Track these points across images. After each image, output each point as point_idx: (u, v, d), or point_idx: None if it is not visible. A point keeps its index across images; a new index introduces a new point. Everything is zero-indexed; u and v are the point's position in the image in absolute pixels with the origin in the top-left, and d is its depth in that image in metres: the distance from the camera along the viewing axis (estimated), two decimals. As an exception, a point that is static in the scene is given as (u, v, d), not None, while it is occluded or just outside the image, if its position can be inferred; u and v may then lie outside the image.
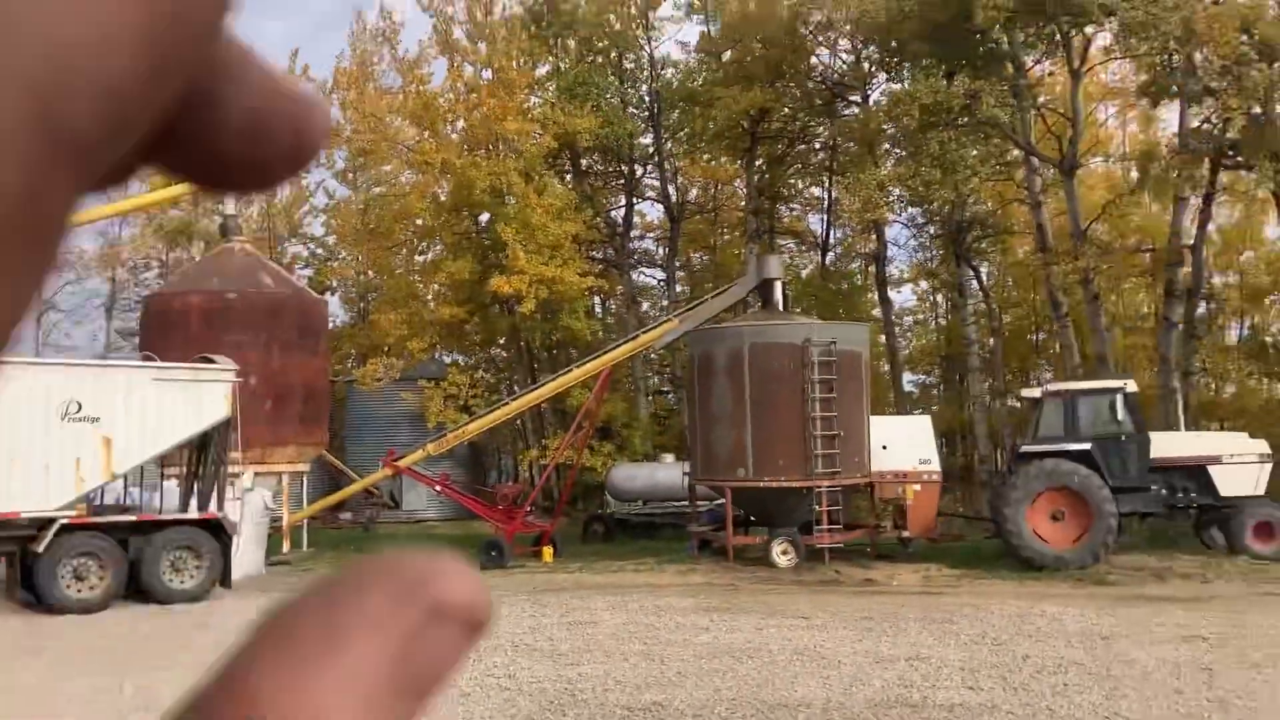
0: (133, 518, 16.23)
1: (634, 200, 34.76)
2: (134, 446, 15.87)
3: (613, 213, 35.29)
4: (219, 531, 16.48)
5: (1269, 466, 18.47)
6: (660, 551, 21.33)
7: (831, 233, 36.10)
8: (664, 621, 13.41)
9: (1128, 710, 8.39)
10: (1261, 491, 18.28)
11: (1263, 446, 18.73)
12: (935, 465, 19.83)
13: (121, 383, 16.00)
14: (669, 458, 25.97)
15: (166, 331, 21.81)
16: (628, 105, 32.42)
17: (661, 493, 24.39)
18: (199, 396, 16.58)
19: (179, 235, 38.15)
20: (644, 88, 33.09)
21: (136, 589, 15.76)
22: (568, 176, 32.56)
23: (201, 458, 17.30)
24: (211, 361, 17.60)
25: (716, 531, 20.46)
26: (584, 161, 32.74)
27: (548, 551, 21.04)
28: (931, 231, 32.11)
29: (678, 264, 36.06)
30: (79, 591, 15.13)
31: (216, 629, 13.69)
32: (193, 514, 16.73)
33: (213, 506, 16.79)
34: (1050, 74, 27.81)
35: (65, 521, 14.99)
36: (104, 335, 41.93)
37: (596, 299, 36.15)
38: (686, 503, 21.93)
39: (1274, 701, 8.48)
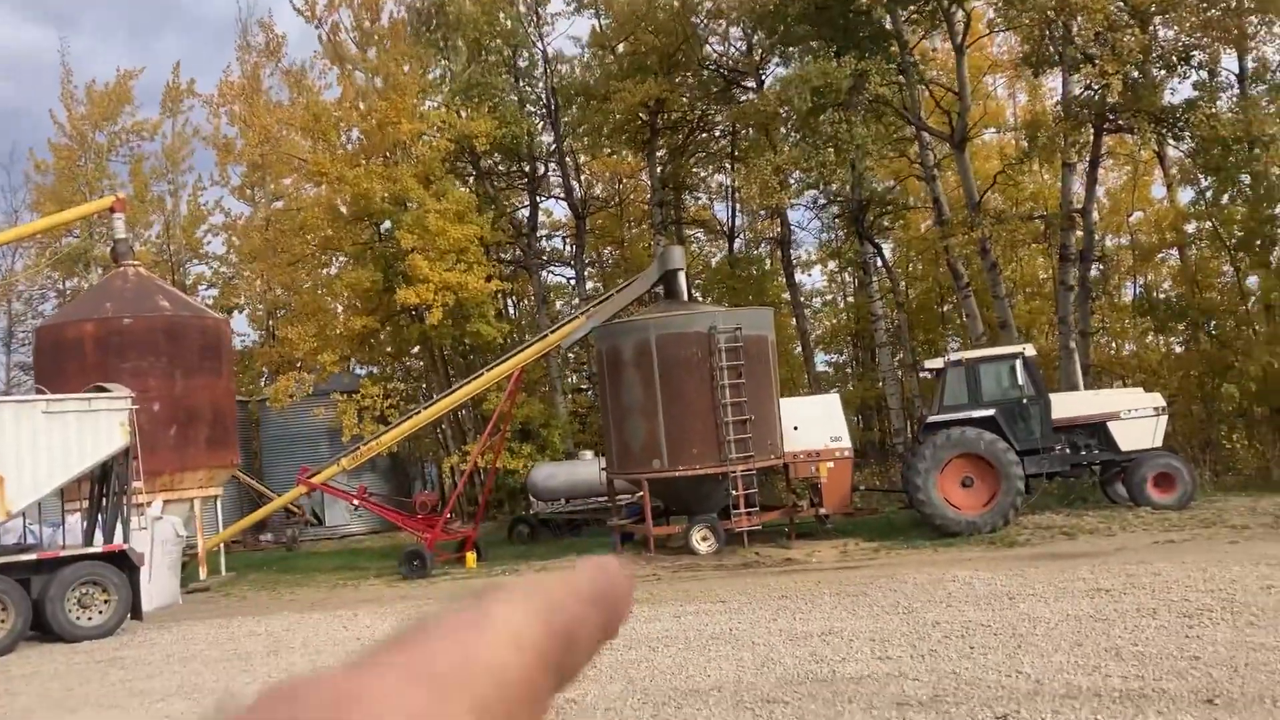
0: (33, 556, 15.68)
1: (538, 199, 34.61)
2: (29, 483, 15.37)
3: (518, 212, 35.11)
4: (125, 563, 16.05)
5: (1164, 419, 19.08)
6: (584, 548, 21.34)
7: (737, 219, 36.41)
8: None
9: (1029, 666, 8.58)
10: (1159, 444, 18.87)
11: (1158, 400, 19.34)
12: (846, 442, 20.11)
13: (9, 418, 15.46)
14: (588, 454, 25.96)
15: (61, 362, 21.19)
16: (525, 103, 32.24)
17: (583, 490, 24.37)
18: (94, 426, 16.10)
19: (74, 262, 37.01)
20: (540, 85, 32.93)
21: (43, 629, 15.31)
22: (469, 179, 32.29)
23: (103, 489, 16.84)
24: (106, 390, 17.11)
25: (637, 524, 20.52)
26: (484, 163, 32.46)
27: (471, 557, 20.90)
28: (834, 212, 32.53)
29: (587, 260, 36.02)
30: (-20, 638, 14.63)
31: (129, 663, 13.34)
32: (97, 547, 16.26)
33: (118, 538, 16.34)
34: (935, 50, 28.34)
35: (-40, 567, 14.48)
36: (3, 372, 40.59)
37: (509, 300, 35.97)
38: (607, 498, 21.96)
39: (1163, 647, 8.75)
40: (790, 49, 27.08)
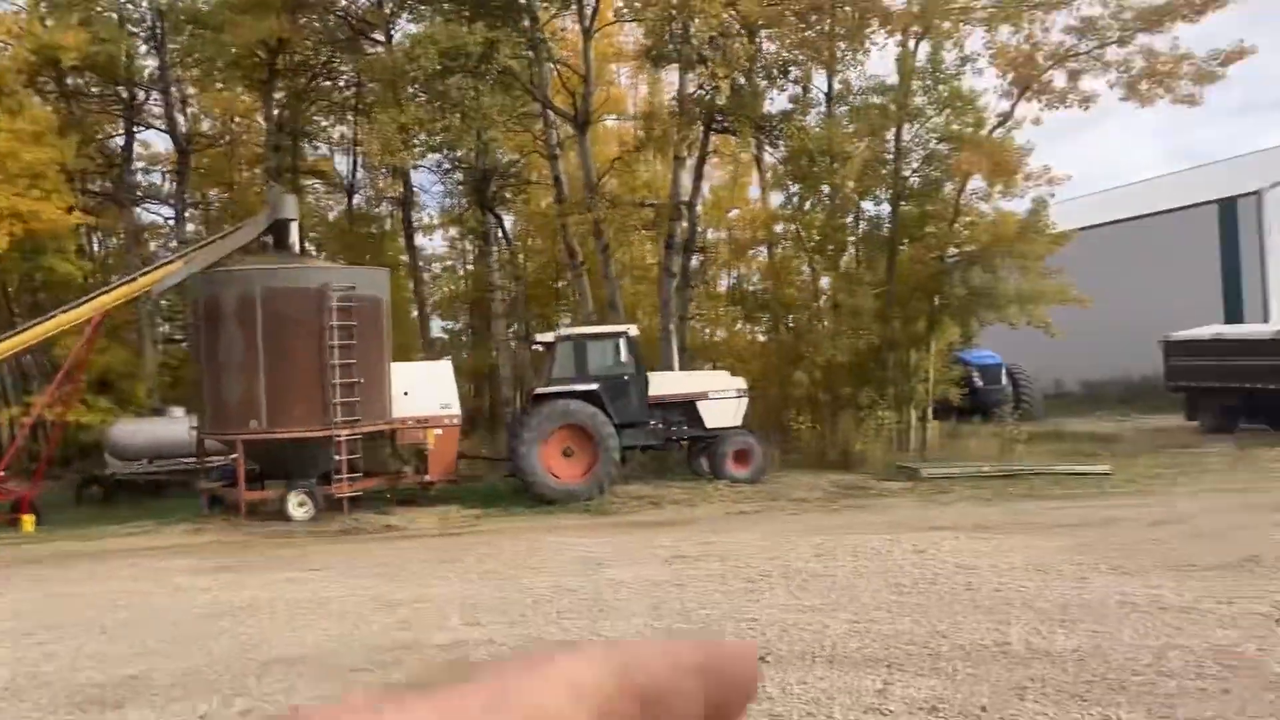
0: None
1: (136, 128, 31.49)
2: None
3: (111, 140, 31.76)
4: None
5: (745, 400, 20.86)
6: (167, 512, 19.84)
7: (358, 174, 35.25)
8: (159, 586, 12.45)
9: (609, 629, 9.05)
10: (740, 423, 20.62)
11: (741, 383, 21.12)
12: (456, 409, 20.16)
13: None
14: (178, 411, 24.11)
15: None
16: (126, 22, 29.17)
17: (169, 449, 22.65)
18: None
19: None
20: (144, 4, 29.93)
21: None
22: (51, 97, 28.74)
23: None
24: None
25: (229, 487, 19.37)
26: (72, 81, 29.03)
27: (28, 520, 18.77)
28: (458, 178, 32.40)
29: (190, 200, 33.34)
30: None
31: None
32: None
33: None
34: (565, 30, 28.97)
35: None
36: None
37: (94, 236, 32.56)
38: (196, 459, 20.55)
39: (728, 609, 9.58)
40: (422, 8, 26.58)
